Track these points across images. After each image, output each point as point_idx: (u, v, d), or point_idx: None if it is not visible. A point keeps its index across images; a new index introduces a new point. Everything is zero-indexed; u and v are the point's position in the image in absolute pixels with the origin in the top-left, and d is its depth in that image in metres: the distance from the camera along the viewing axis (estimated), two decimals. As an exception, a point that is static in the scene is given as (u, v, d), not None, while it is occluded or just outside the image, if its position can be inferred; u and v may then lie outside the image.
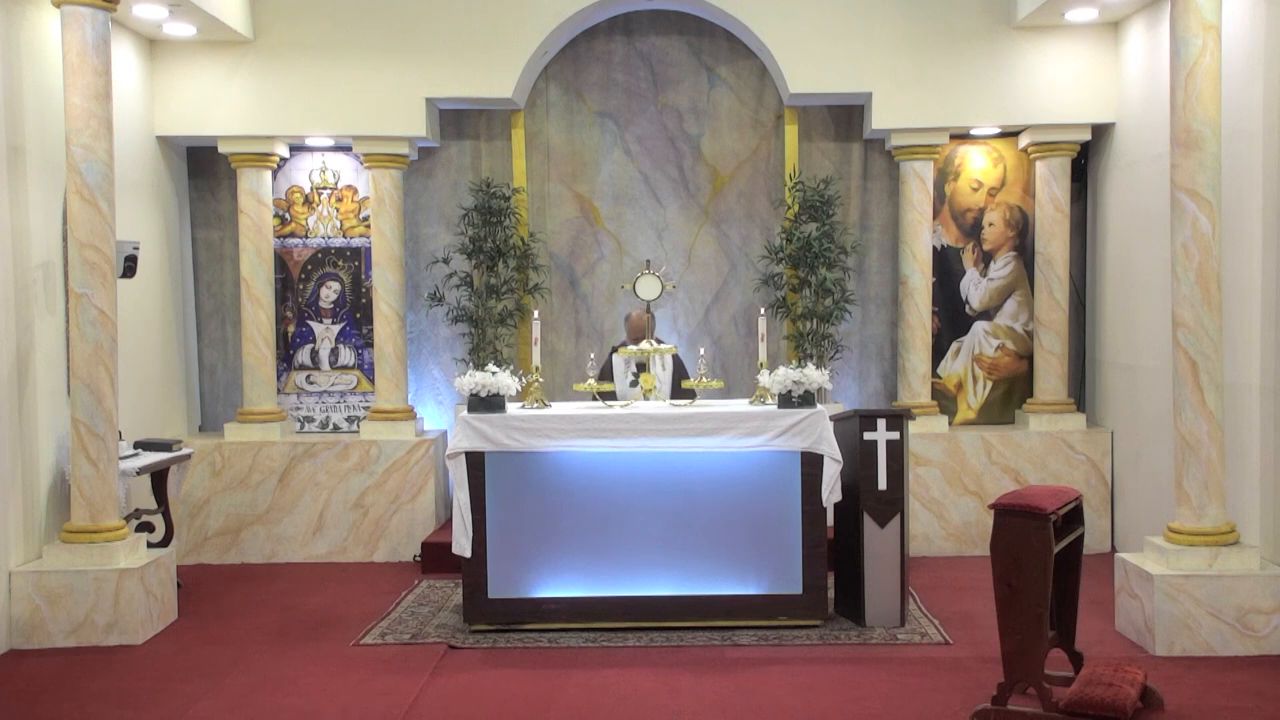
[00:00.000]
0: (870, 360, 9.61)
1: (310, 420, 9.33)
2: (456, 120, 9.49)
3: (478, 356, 9.06)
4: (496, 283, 9.19)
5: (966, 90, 8.79)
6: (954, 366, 9.41)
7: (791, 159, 9.37)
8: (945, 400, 9.35)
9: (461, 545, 6.79)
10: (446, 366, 9.62)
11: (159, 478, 7.87)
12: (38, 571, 6.68)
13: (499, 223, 9.17)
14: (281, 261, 9.44)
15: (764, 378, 7.05)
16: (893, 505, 6.89)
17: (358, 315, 9.49)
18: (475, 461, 6.80)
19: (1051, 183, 9.00)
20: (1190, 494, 6.40)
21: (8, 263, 6.74)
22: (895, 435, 6.89)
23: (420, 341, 9.65)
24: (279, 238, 9.42)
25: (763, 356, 7.26)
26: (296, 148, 9.41)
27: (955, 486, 8.87)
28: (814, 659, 6.33)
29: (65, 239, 7.07)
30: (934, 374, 9.30)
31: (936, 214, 9.29)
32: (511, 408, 7.01)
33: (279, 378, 9.40)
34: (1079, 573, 5.72)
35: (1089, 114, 8.77)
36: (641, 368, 7.35)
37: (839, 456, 6.76)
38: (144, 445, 7.79)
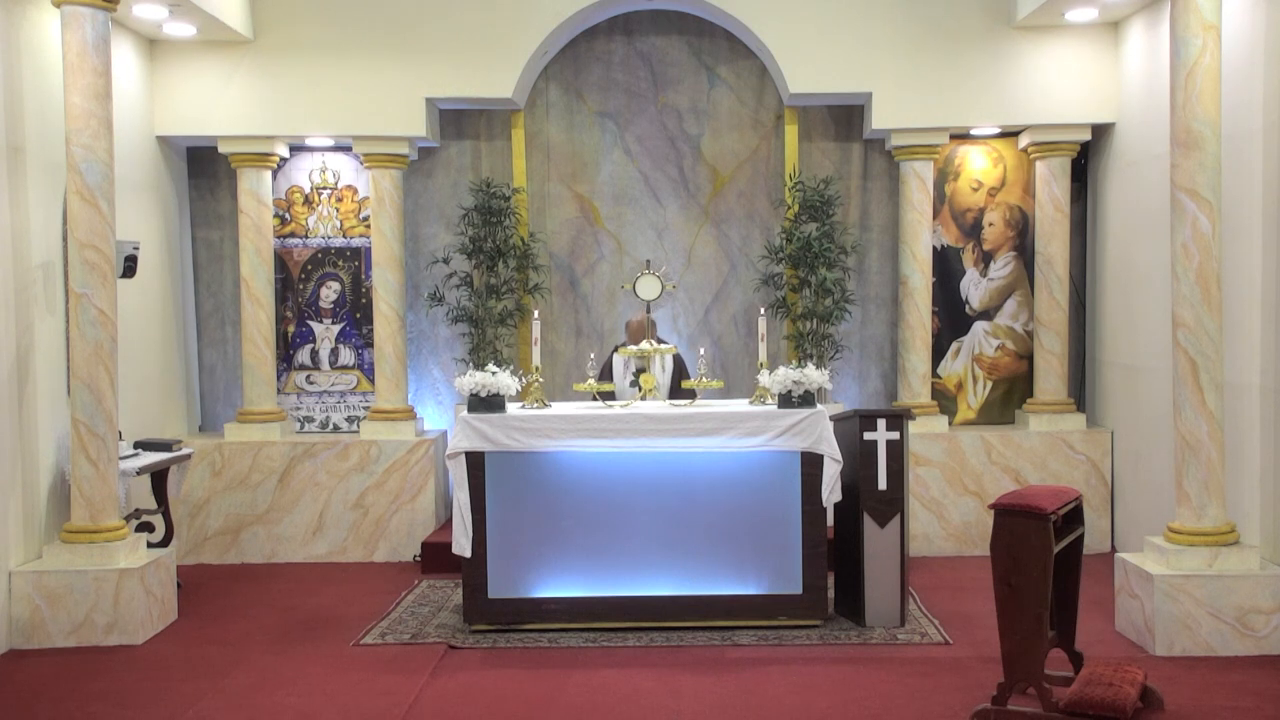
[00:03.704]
0: (870, 360, 9.61)
1: (310, 420, 9.33)
2: (456, 120, 9.49)
3: (478, 356, 9.06)
4: (496, 283, 9.19)
5: (966, 90, 8.79)
6: (954, 366, 9.41)
7: (791, 159, 9.37)
8: (945, 400, 9.35)
9: (461, 545, 6.79)
10: (446, 366, 9.62)
11: (159, 478, 7.87)
12: (38, 571, 6.68)
13: (499, 223, 9.17)
14: (281, 261, 9.44)
15: (764, 378, 7.05)
16: (893, 505, 6.89)
17: (358, 315, 9.49)
18: (475, 461, 6.80)
19: (1051, 183, 9.00)
20: (1190, 494, 6.40)
21: (8, 263, 6.74)
22: (895, 435, 6.89)
23: (420, 341, 9.65)
24: (279, 238, 9.42)
25: (763, 356, 7.26)
26: (296, 148, 9.41)
27: (955, 486, 8.87)
28: (814, 659, 6.33)
29: (65, 239, 7.07)
30: (934, 374, 9.30)
31: (936, 214, 9.29)
32: (511, 408, 7.01)
33: (279, 378, 9.39)
34: (1079, 573, 5.72)
35: (1089, 114, 8.77)
36: (641, 368, 7.35)
37: (839, 456, 6.76)
38: (144, 445, 7.79)
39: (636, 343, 7.62)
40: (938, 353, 9.34)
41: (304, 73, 8.81)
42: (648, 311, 7.58)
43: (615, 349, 8.22)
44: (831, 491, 6.76)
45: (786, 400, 6.83)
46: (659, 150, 9.55)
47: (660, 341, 7.57)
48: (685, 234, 9.59)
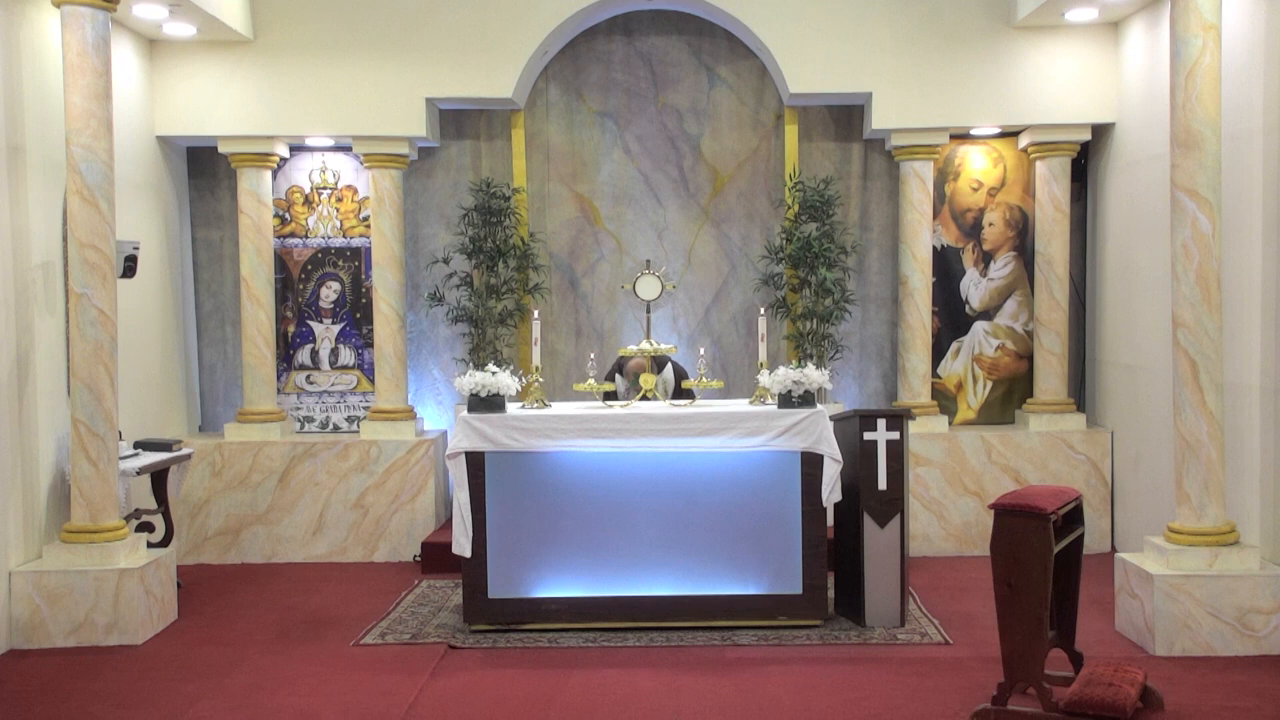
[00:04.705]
0: (870, 360, 9.61)
1: (310, 420, 9.33)
2: (456, 120, 9.49)
3: (478, 356, 9.06)
4: (496, 283, 9.19)
5: (966, 90, 8.79)
6: (954, 366, 9.41)
7: (791, 159, 9.37)
8: (945, 400, 9.35)
9: (461, 545, 6.79)
10: (446, 366, 9.63)
11: (159, 478, 7.87)
12: (38, 571, 6.68)
13: (499, 223, 9.17)
14: (281, 261, 9.44)
15: (764, 378, 7.05)
16: (893, 505, 6.89)
17: (358, 315, 9.48)
18: (475, 461, 6.80)
19: (1051, 183, 9.00)
20: (1190, 494, 6.40)
21: (8, 263, 6.74)
22: (895, 435, 6.89)
23: (420, 341, 9.65)
24: (279, 238, 9.42)
25: (763, 356, 7.26)
26: (296, 148, 9.41)
27: (955, 486, 8.87)
28: (814, 659, 6.33)
29: (65, 239, 7.07)
30: (934, 374, 9.30)
31: (936, 214, 9.29)
32: (511, 408, 7.01)
33: (279, 378, 9.39)
34: (1079, 573, 5.72)
35: (1089, 114, 8.77)
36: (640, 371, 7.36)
37: (839, 456, 6.76)
38: (144, 445, 7.79)
39: (636, 376, 7.63)
40: (938, 353, 9.34)
41: (304, 73, 8.82)
42: (647, 312, 7.57)
43: (616, 364, 8.18)
44: (831, 491, 6.76)
45: (786, 400, 6.83)
46: (659, 150, 9.55)
47: (659, 344, 7.56)
48: (685, 234, 9.59)
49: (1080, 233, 9.33)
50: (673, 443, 6.80)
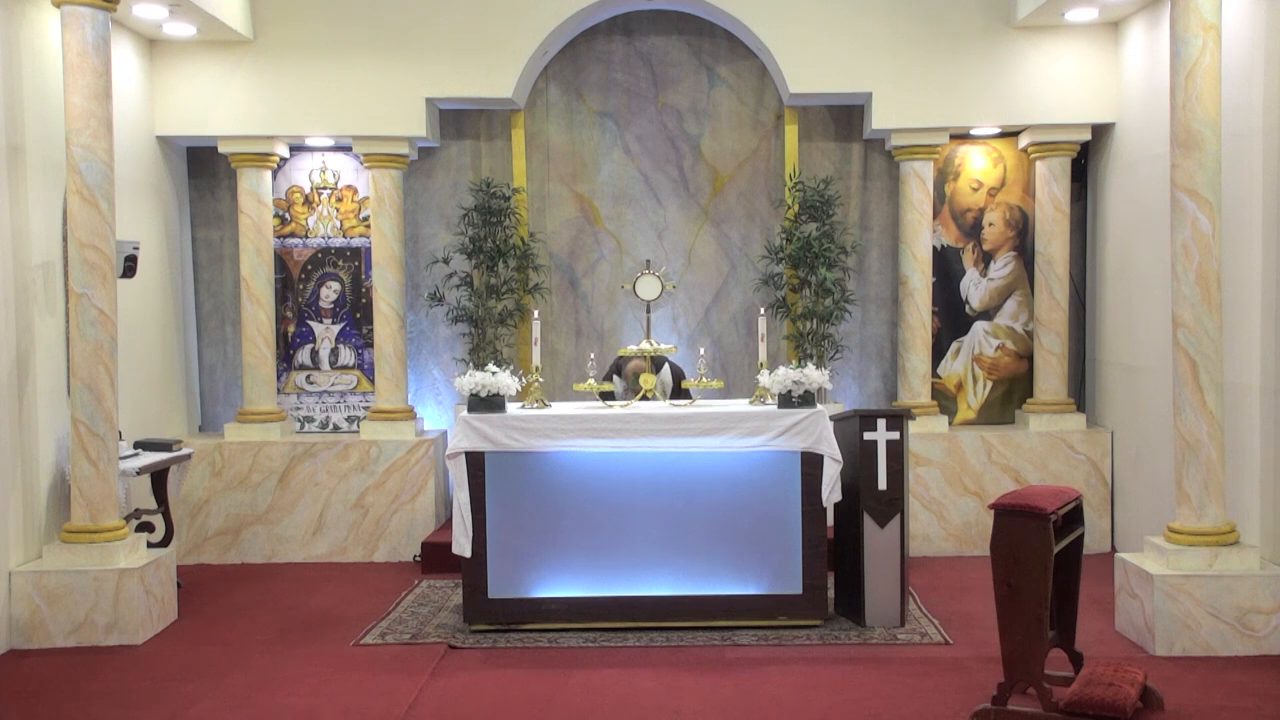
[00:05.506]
0: (870, 360, 9.61)
1: (310, 420, 9.33)
2: (456, 120, 9.49)
3: (478, 356, 9.06)
4: (496, 283, 9.19)
5: (966, 90, 8.79)
6: (954, 366, 9.41)
7: (791, 159, 9.37)
8: (945, 400, 9.35)
9: (461, 545, 6.79)
10: (446, 366, 9.63)
11: (159, 478, 7.87)
12: (38, 571, 6.68)
13: (499, 223, 9.18)
14: (281, 261, 9.44)
15: (764, 378, 7.05)
16: (893, 505, 6.89)
17: (358, 315, 9.48)
18: (475, 461, 6.80)
19: (1051, 183, 9.00)
20: (1190, 494, 6.40)
21: (8, 263, 6.74)
22: (895, 435, 6.89)
23: (420, 341, 9.65)
24: (279, 238, 9.42)
25: (763, 356, 7.26)
26: (296, 148, 9.41)
27: (955, 486, 8.87)
28: (814, 659, 6.33)
29: (65, 239, 7.07)
30: (934, 374, 9.30)
31: (936, 214, 9.29)
32: (511, 408, 7.01)
33: (279, 378, 9.39)
34: (1079, 573, 5.72)
35: (1089, 114, 8.77)
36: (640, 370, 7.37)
37: (839, 456, 6.76)
38: (144, 445, 7.79)
39: (635, 377, 7.62)
40: (938, 353, 9.34)
41: (304, 73, 8.82)
42: (647, 312, 7.58)
43: (614, 365, 8.20)
44: (831, 491, 6.76)
45: (786, 400, 6.83)
46: (659, 150, 9.55)
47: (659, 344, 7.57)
48: (685, 234, 9.59)
49: (1080, 233, 9.33)
50: (673, 443, 6.80)
